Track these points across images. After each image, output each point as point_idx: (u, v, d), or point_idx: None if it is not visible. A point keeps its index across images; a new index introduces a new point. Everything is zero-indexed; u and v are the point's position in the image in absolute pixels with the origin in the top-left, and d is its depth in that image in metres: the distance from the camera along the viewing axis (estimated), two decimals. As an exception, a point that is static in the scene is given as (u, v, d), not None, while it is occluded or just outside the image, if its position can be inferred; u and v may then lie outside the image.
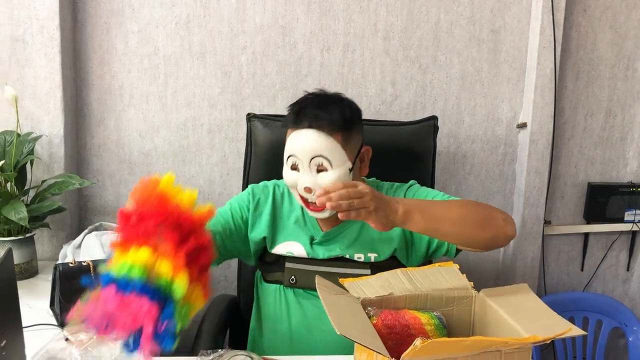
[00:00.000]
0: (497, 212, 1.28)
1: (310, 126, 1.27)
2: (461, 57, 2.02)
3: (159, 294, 0.89)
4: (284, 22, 1.91)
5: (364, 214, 1.12)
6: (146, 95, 1.91)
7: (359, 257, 1.37)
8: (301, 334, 1.39)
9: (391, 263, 1.36)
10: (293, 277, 1.38)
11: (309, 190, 1.27)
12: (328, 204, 1.11)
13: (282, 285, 1.40)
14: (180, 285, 0.89)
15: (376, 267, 1.31)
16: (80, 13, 1.83)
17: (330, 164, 1.26)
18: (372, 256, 1.37)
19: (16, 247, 1.60)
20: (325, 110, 1.29)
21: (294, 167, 1.29)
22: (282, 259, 1.39)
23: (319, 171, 1.26)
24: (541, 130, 2.05)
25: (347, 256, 1.37)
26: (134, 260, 0.88)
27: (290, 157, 1.29)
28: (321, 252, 1.38)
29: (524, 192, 2.09)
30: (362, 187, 1.13)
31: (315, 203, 1.27)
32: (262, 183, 1.49)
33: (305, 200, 1.30)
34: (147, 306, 0.86)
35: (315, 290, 1.24)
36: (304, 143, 1.26)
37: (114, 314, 0.86)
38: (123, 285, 0.88)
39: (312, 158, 1.26)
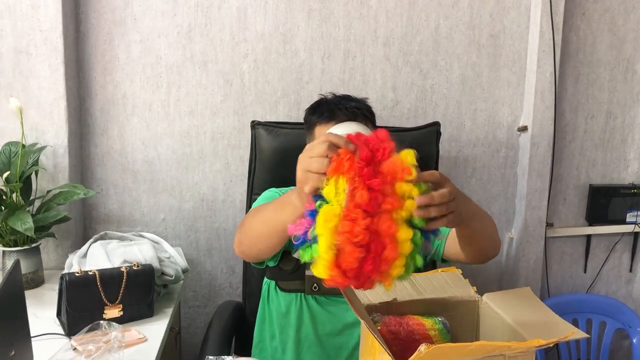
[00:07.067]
0: (497, 233, 1.26)
1: (349, 119, 1.31)
2: (461, 62, 2.03)
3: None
4: (284, 30, 1.93)
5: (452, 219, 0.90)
6: (149, 104, 1.92)
7: None
8: (329, 338, 1.40)
9: None
10: (316, 284, 1.38)
11: None
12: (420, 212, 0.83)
13: (302, 294, 1.40)
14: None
15: None
16: (82, 24, 1.85)
17: None
18: None
19: (22, 257, 1.61)
20: (358, 104, 1.37)
21: None
22: (301, 267, 1.38)
23: None
24: (542, 133, 2.06)
25: None
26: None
27: None
28: None
29: (525, 195, 2.10)
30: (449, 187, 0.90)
31: None
32: (275, 190, 1.45)
33: None
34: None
35: (335, 295, 1.25)
36: (348, 132, 1.27)
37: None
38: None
39: None
